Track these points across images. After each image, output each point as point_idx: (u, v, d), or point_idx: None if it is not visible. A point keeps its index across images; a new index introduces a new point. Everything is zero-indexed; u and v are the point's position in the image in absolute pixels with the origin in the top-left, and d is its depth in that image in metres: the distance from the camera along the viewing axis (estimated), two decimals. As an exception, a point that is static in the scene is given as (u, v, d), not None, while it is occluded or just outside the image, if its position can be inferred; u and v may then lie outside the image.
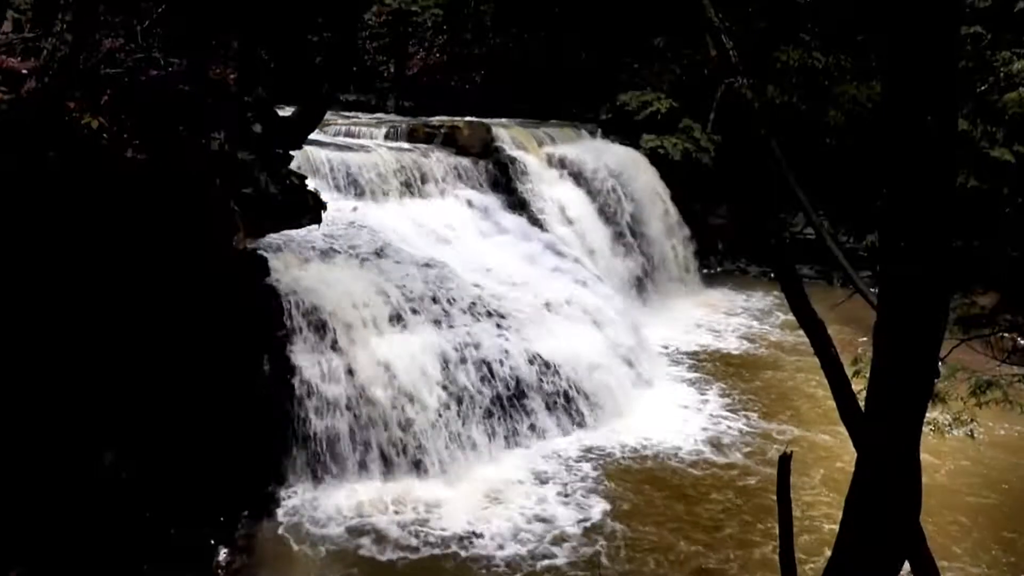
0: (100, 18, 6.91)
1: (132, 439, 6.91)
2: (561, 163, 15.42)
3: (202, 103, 7.35)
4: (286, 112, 9.27)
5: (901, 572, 3.43)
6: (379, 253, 10.18)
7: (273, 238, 9.19)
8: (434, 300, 9.65)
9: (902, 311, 3.17)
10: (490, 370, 9.31)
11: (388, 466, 8.24)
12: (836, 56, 5.39)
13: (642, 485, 8.51)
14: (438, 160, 13.19)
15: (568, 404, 9.74)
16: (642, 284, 15.51)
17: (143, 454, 7.01)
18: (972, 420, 5.30)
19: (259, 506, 7.56)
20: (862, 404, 3.79)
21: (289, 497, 7.78)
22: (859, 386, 4.17)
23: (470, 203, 12.97)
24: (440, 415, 8.64)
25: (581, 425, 9.70)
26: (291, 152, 8.80)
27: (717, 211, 18.85)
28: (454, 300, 9.84)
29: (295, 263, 9.08)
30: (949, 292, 3.28)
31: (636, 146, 17.38)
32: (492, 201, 13.40)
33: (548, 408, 9.58)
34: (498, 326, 9.88)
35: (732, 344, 13.56)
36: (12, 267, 6.08)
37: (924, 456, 3.57)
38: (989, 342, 5.00)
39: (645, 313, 14.22)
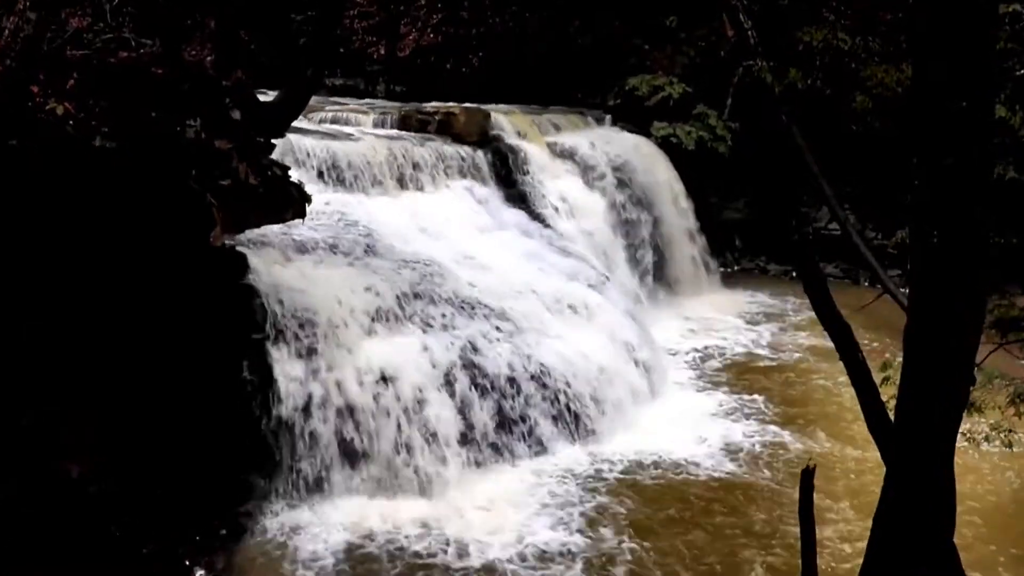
0: (66, -5, 6.92)
1: (100, 452, 6.91)
2: (565, 153, 15.42)
3: (177, 88, 7.35)
4: (268, 97, 9.27)
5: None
6: (368, 250, 10.18)
7: (253, 234, 9.18)
8: (428, 301, 9.65)
9: (935, 313, 3.17)
10: (488, 376, 9.31)
11: (378, 481, 8.24)
12: (863, 37, 5.39)
13: (652, 500, 8.51)
14: (432, 149, 13.18)
15: (572, 413, 9.73)
16: (652, 283, 15.52)
17: (112, 468, 7.01)
18: (1011, 431, 5.31)
19: (239, 524, 7.55)
20: (892, 413, 3.80)
21: (271, 514, 7.77)
22: (888, 394, 4.18)
23: (467, 196, 12.96)
24: (434, 425, 8.63)
25: (586, 436, 9.69)
26: (273, 141, 8.79)
27: (734, 204, 18.85)
28: (449, 301, 9.83)
29: (277, 261, 9.07)
30: (985, 292, 3.28)
31: (647, 134, 17.38)
32: (491, 194, 13.40)
33: (551, 417, 9.58)
34: (497, 328, 9.88)
35: (750, 348, 13.56)
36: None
37: (958, 470, 3.57)
38: (1029, 347, 5.01)
39: (656, 315, 14.22)
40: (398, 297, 9.40)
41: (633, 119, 17.77)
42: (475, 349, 9.43)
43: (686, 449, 9.60)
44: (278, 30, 18.13)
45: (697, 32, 17.59)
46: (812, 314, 4.57)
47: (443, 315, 9.64)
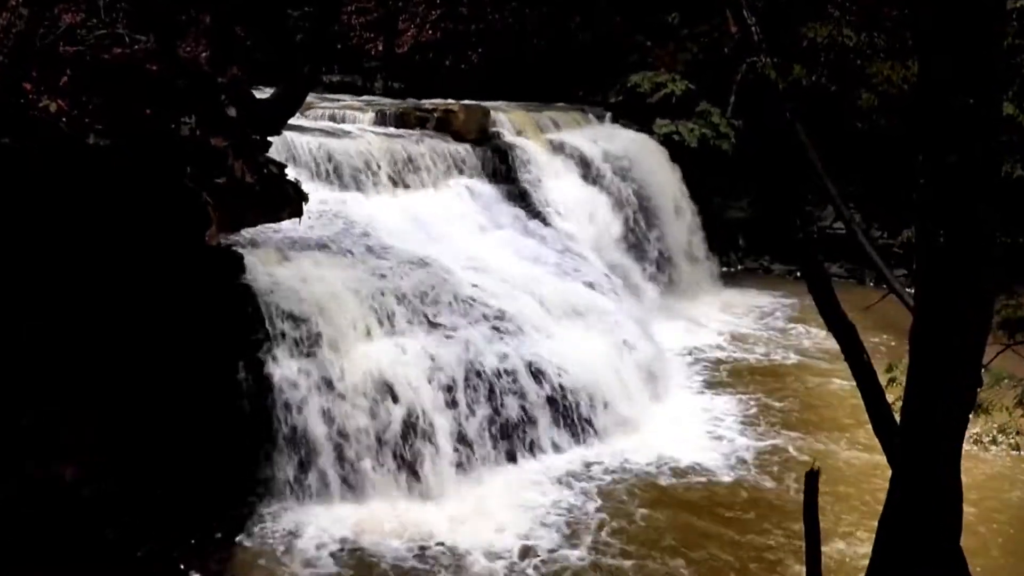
0: (59, -10, 6.92)
1: (99, 452, 6.92)
2: (566, 150, 15.43)
3: (171, 84, 7.36)
4: (264, 94, 9.27)
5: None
6: (367, 250, 10.18)
7: (249, 233, 9.19)
8: (426, 301, 9.65)
9: (941, 313, 3.18)
10: (487, 378, 9.31)
11: (376, 484, 8.23)
12: (868, 33, 5.40)
13: (655, 505, 8.50)
14: (431, 147, 13.18)
15: (574, 416, 9.73)
16: (655, 284, 15.50)
17: (111, 468, 7.02)
18: (1019, 433, 5.32)
19: (235, 527, 7.56)
20: (897, 415, 3.80)
21: (268, 518, 7.77)
22: (894, 396, 4.18)
23: (466, 194, 12.97)
24: (433, 428, 8.63)
25: (589, 439, 9.68)
26: (269, 138, 8.81)
27: (737, 203, 18.84)
28: (449, 302, 9.83)
29: (273, 260, 9.07)
30: (992, 292, 3.29)
31: (649, 132, 17.37)
32: (490, 192, 13.40)
33: (552, 420, 9.57)
34: (497, 330, 9.88)
35: (754, 350, 13.54)
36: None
37: (965, 473, 3.57)
38: (1037, 347, 5.02)
39: (658, 315, 14.20)
40: (396, 297, 9.40)
41: (635, 116, 17.76)
42: (475, 350, 9.43)
43: (695, 454, 9.55)
44: (274, 26, 18.14)
45: (699, 28, 17.59)
46: (817, 315, 4.57)
47: (442, 315, 9.64)
